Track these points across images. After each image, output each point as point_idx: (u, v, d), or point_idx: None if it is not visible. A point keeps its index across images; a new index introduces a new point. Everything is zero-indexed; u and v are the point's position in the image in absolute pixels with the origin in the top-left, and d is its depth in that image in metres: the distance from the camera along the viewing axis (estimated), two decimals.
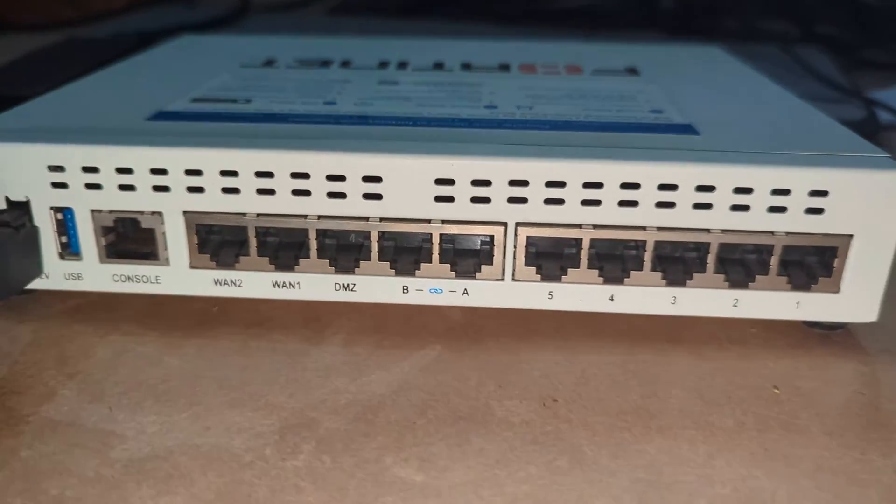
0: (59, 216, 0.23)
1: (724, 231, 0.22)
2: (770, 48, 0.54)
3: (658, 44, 0.41)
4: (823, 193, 0.22)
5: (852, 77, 0.50)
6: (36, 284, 0.24)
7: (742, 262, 0.23)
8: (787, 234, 0.22)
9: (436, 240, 0.23)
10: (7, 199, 0.23)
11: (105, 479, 0.18)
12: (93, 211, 0.23)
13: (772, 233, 0.22)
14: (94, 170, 0.23)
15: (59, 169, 0.23)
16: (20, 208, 0.23)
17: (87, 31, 0.58)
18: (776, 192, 0.22)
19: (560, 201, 0.22)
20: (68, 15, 0.65)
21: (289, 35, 0.41)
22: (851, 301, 0.23)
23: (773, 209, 0.22)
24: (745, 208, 0.22)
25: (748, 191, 0.22)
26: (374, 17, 0.65)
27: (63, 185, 0.23)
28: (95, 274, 0.24)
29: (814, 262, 0.23)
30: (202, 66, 0.33)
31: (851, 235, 0.22)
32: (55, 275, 0.24)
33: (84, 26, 0.62)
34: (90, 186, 0.23)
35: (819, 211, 0.22)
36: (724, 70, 0.35)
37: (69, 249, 0.24)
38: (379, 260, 0.23)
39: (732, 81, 0.32)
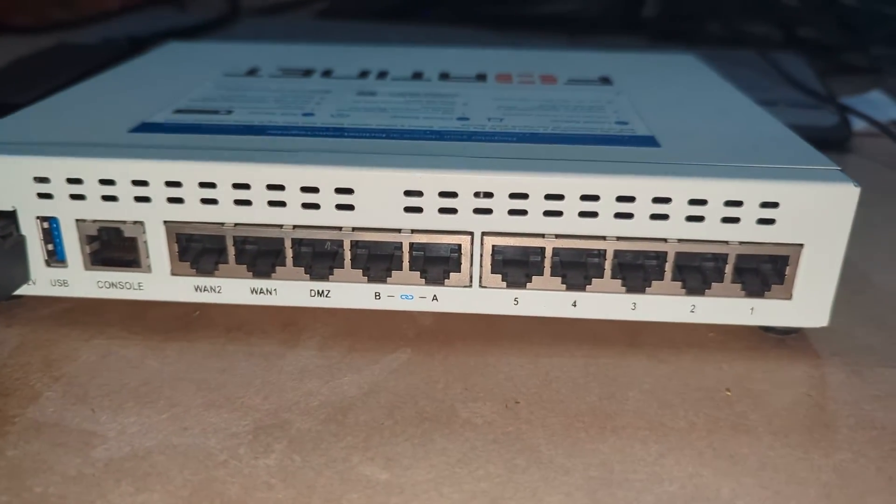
0: (45, 225, 0.24)
1: (680, 241, 0.23)
2: (749, 54, 0.55)
3: (635, 51, 0.42)
4: (774, 205, 0.23)
5: (831, 81, 0.51)
6: (23, 290, 0.25)
7: (699, 270, 0.24)
8: (741, 243, 0.23)
9: (406, 248, 0.24)
10: None
11: (86, 478, 0.19)
12: (77, 220, 0.24)
13: (726, 242, 0.23)
14: (78, 181, 0.24)
15: (45, 180, 0.24)
16: (7, 218, 0.24)
17: (79, 34, 0.59)
18: (729, 203, 0.23)
19: (523, 212, 0.23)
20: (60, 17, 0.66)
21: (274, 42, 0.42)
22: (803, 307, 0.24)
23: (726, 220, 0.23)
24: (700, 219, 0.23)
25: (703, 202, 0.23)
26: (362, 21, 0.66)
27: (48, 196, 0.24)
28: (81, 280, 0.25)
29: (767, 270, 0.24)
30: (186, 75, 0.34)
31: (802, 245, 0.23)
32: (42, 281, 0.25)
33: (75, 29, 0.63)
34: (75, 197, 0.24)
35: (770, 221, 0.23)
36: (693, 79, 0.36)
37: (55, 257, 0.25)
38: (352, 267, 0.24)
39: (700, 91, 0.34)
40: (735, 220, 0.23)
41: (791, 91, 0.49)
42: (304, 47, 0.41)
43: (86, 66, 0.41)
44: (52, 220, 0.24)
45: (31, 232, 0.24)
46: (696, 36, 0.65)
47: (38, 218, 0.24)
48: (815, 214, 0.23)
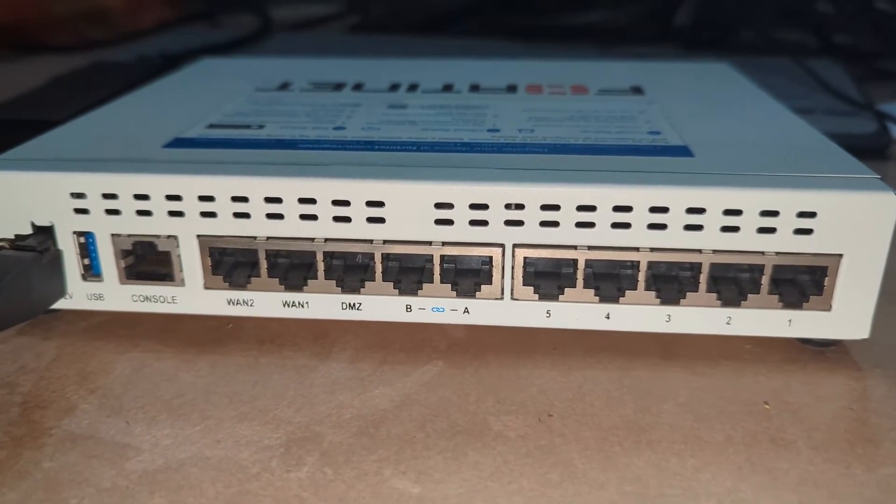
0: (82, 240, 0.25)
1: (715, 252, 0.23)
2: (785, 61, 0.55)
3: (669, 60, 0.41)
4: (812, 214, 0.22)
5: (868, 88, 0.50)
6: (60, 304, 0.25)
7: (734, 281, 0.24)
8: (778, 254, 0.23)
9: (437, 261, 0.24)
10: (33, 224, 0.24)
11: (120, 490, 0.19)
12: (113, 235, 0.24)
13: (762, 253, 0.23)
14: (113, 196, 0.24)
15: (81, 196, 0.24)
16: (45, 233, 0.24)
17: (114, 53, 0.60)
18: (765, 213, 0.23)
19: (555, 224, 0.23)
20: (95, 36, 0.67)
21: (305, 57, 0.42)
22: (843, 318, 0.24)
23: (762, 230, 0.23)
24: (735, 229, 0.23)
25: (738, 213, 0.23)
26: (392, 35, 0.67)
27: (85, 211, 0.24)
28: (116, 294, 0.25)
29: (805, 281, 0.24)
30: (219, 90, 0.34)
31: (841, 255, 0.23)
32: (78, 295, 0.25)
33: (110, 47, 0.64)
34: (110, 212, 0.24)
35: (808, 231, 0.23)
36: (727, 88, 0.35)
37: (91, 271, 0.25)
38: (383, 280, 0.24)
39: (734, 100, 0.33)
40: (771, 230, 0.23)
41: (828, 99, 0.49)
42: (334, 61, 0.41)
43: (120, 83, 0.41)
44: (88, 235, 0.25)
45: (67, 247, 0.25)
46: (728, 44, 0.64)
47: (74, 233, 0.25)
48: (855, 224, 0.22)
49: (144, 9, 0.71)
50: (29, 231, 0.24)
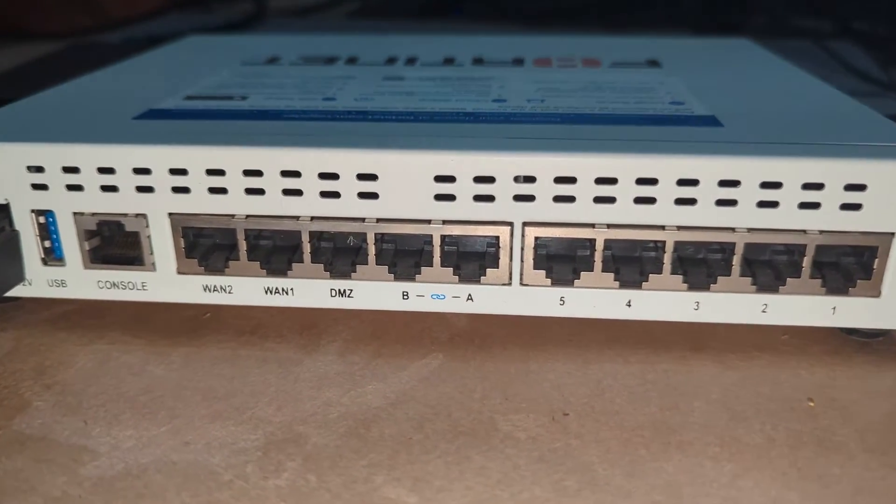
0: (41, 219, 0.22)
1: (750, 230, 0.21)
2: (803, 43, 0.52)
3: (683, 36, 0.39)
4: (861, 187, 0.20)
5: (889, 72, 0.48)
6: (18, 291, 0.23)
7: (771, 264, 0.21)
8: (821, 232, 0.21)
9: (437, 241, 0.21)
10: None
11: (71, 499, 0.17)
12: (75, 213, 0.22)
13: (804, 231, 0.21)
14: (75, 170, 0.21)
15: (40, 170, 0.21)
16: (0, 211, 0.22)
17: (104, 39, 0.58)
18: (808, 186, 0.20)
19: (571, 199, 0.21)
20: (85, 23, 0.65)
21: (298, 34, 0.40)
22: (894, 306, 0.21)
23: (804, 205, 0.20)
24: (774, 205, 0.20)
25: (777, 185, 0.20)
26: (392, 21, 0.64)
27: (44, 187, 0.22)
28: (80, 280, 0.23)
29: (851, 264, 0.21)
30: (203, 65, 0.31)
31: (893, 234, 0.20)
32: (38, 281, 0.23)
33: (100, 33, 0.61)
34: (72, 188, 0.22)
35: (856, 207, 0.20)
36: (751, 60, 0.33)
37: (53, 255, 0.23)
38: (377, 264, 0.22)
39: (761, 71, 0.31)
40: (815, 205, 0.20)
41: (849, 80, 0.47)
42: (328, 38, 0.38)
43: (102, 63, 0.39)
44: (48, 214, 0.22)
45: (25, 227, 0.22)
46: (742, 28, 0.62)
47: (33, 211, 0.22)
48: None
49: None
50: None
